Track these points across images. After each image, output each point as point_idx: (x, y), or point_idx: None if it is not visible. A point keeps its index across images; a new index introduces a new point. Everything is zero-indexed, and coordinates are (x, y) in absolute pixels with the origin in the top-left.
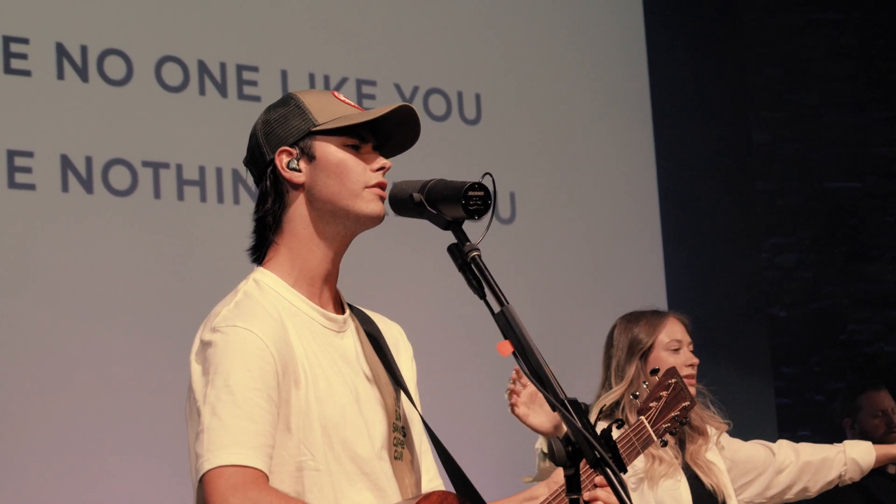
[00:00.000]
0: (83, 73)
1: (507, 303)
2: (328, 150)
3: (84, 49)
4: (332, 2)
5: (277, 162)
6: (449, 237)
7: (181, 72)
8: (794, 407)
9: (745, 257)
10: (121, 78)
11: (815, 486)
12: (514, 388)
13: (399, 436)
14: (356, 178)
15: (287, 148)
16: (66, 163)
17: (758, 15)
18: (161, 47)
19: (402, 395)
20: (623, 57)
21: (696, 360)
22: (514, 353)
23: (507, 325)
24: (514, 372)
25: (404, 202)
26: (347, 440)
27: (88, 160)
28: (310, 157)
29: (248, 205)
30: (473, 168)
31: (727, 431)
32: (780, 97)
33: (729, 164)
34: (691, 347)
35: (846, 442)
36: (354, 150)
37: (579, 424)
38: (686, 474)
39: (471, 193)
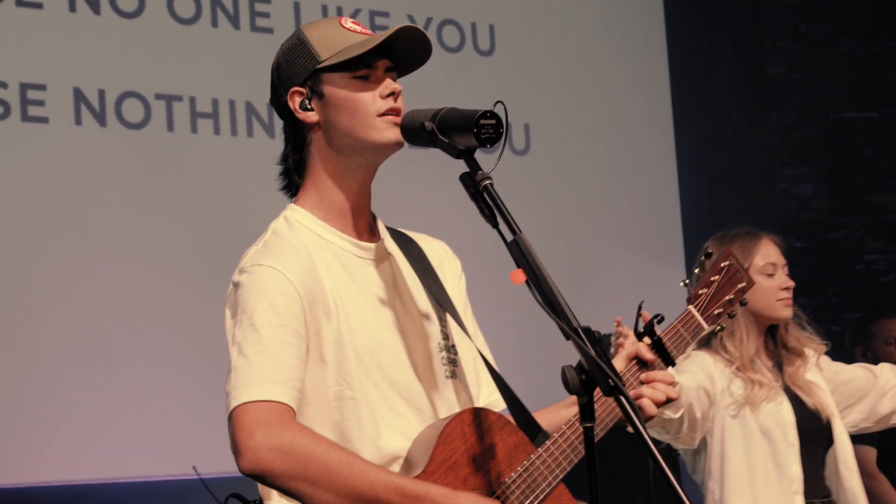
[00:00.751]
0: (95, 5)
1: (520, 231)
2: (335, 86)
3: None
4: None
5: (290, 104)
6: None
7: (193, 3)
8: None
9: (761, 188)
10: (133, 10)
11: None
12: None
13: (449, 355)
14: (365, 108)
15: (298, 88)
16: (78, 96)
17: None
18: None
19: (451, 313)
20: None
21: (791, 283)
22: (526, 281)
23: (520, 254)
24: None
25: (415, 131)
26: (384, 366)
27: (101, 93)
28: (319, 95)
29: (262, 137)
30: (487, 100)
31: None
32: (795, 27)
33: (744, 94)
34: (786, 270)
35: None
36: (363, 79)
37: (593, 353)
38: (787, 396)
39: (483, 122)
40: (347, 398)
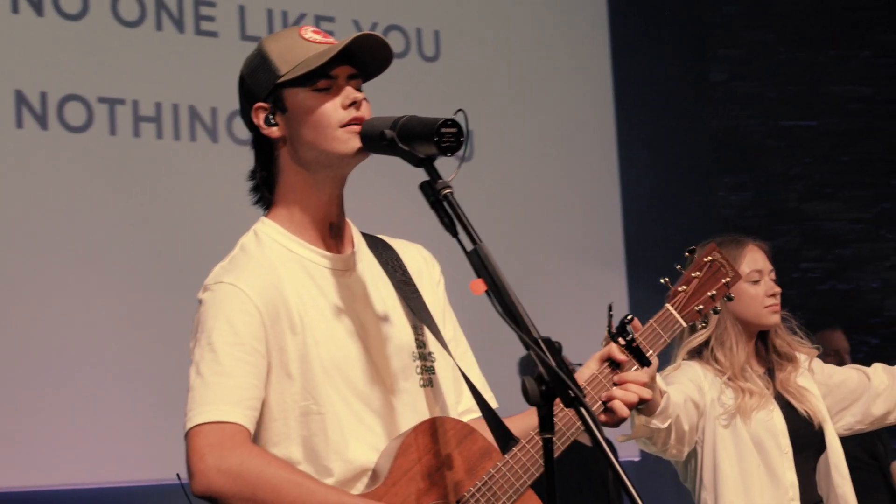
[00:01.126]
0: (38, 6)
1: (480, 241)
2: (296, 99)
3: None
4: None
5: (255, 120)
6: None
7: (137, 6)
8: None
9: (701, 195)
10: (76, 12)
11: None
12: None
13: (425, 363)
14: (328, 120)
15: (261, 103)
16: (20, 98)
17: None
18: None
19: (428, 320)
20: None
21: (777, 290)
22: (486, 291)
23: (480, 264)
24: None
25: (375, 139)
26: (351, 379)
27: (43, 95)
28: (282, 109)
29: (204, 142)
30: (432, 105)
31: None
32: (737, 35)
33: (687, 101)
34: (773, 275)
35: None
36: (325, 90)
37: (553, 363)
38: (779, 403)
39: (444, 130)
40: (314, 413)
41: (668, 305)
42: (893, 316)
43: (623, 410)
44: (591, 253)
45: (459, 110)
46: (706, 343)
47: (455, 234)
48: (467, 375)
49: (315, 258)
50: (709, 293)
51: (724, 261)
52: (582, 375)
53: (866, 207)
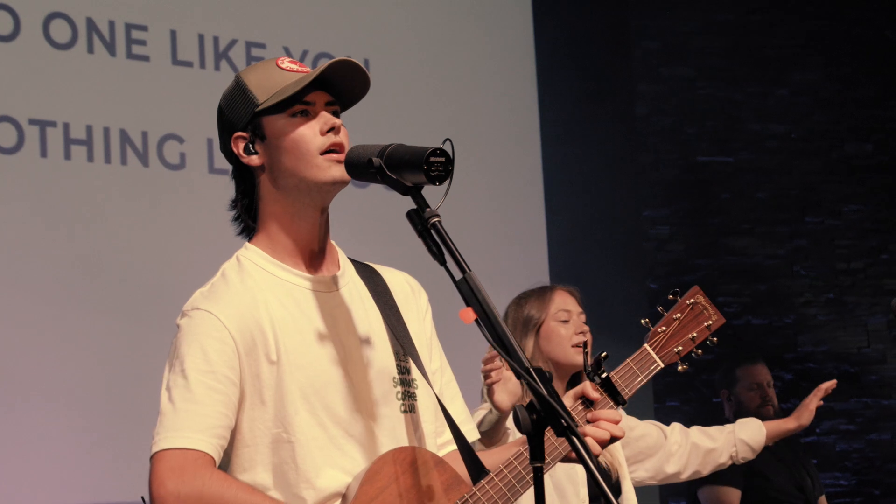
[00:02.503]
0: None
1: (469, 269)
2: (275, 127)
3: None
4: None
5: (234, 149)
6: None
7: (69, 29)
8: (664, 378)
9: (624, 229)
10: (8, 33)
11: (706, 469)
12: (491, 366)
13: (406, 389)
14: (307, 147)
15: (240, 133)
16: None
17: None
18: (49, 4)
19: (409, 346)
20: (510, 24)
21: (585, 328)
22: (476, 320)
23: (470, 292)
24: (487, 351)
25: (362, 166)
26: (329, 403)
27: None
28: (261, 137)
29: (136, 166)
30: (365, 134)
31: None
32: (656, 70)
33: (611, 136)
34: (583, 318)
35: (738, 422)
36: (303, 115)
37: (545, 392)
38: None
39: (433, 159)
40: (284, 441)
41: (646, 345)
42: (807, 352)
43: (596, 448)
44: (516, 286)
45: (447, 140)
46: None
47: (443, 262)
48: (447, 407)
49: (296, 280)
50: (689, 335)
51: (707, 304)
52: None
53: (781, 243)
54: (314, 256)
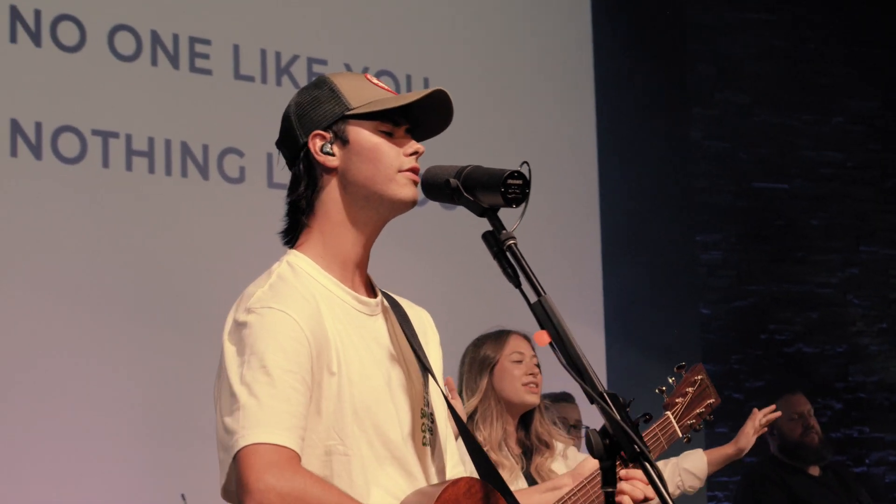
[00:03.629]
0: (36, 38)
1: (545, 292)
2: (362, 135)
3: (38, 13)
4: None
5: (311, 146)
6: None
7: (134, 41)
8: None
9: (676, 254)
10: (74, 44)
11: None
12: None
13: (427, 422)
14: (389, 162)
15: (321, 132)
16: (15, 127)
17: (697, 11)
18: (115, 16)
19: (431, 381)
20: (569, 46)
21: (535, 371)
22: (551, 343)
23: (545, 315)
24: None
25: (439, 187)
26: (379, 423)
27: (38, 126)
28: (343, 141)
29: (196, 178)
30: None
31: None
32: (711, 95)
33: (665, 160)
34: (535, 361)
35: (683, 454)
36: (387, 134)
37: (618, 417)
38: (528, 482)
39: (510, 182)
40: (339, 454)
41: (668, 413)
42: (858, 381)
43: None
44: (570, 308)
45: (525, 162)
46: (472, 415)
47: (518, 284)
48: (475, 440)
49: (348, 299)
50: (697, 410)
51: (709, 383)
52: (585, 468)
53: (834, 272)
54: (359, 275)
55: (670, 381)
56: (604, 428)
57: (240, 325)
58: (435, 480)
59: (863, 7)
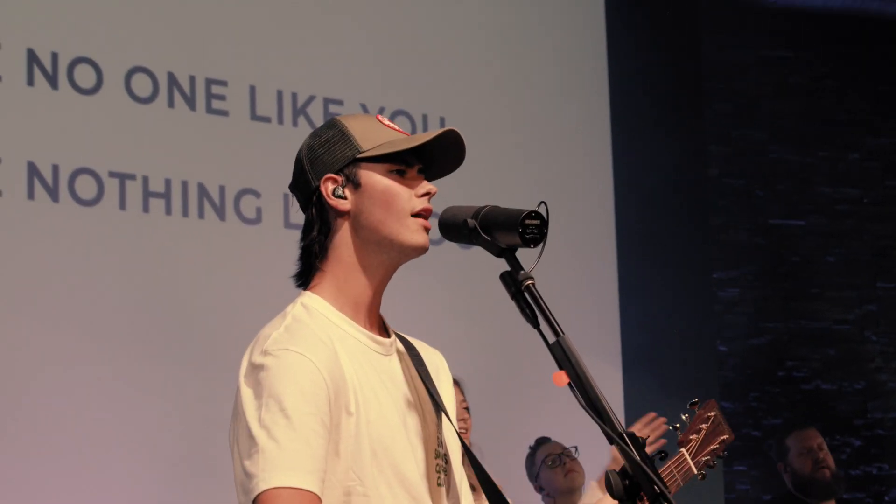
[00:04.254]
0: (53, 80)
1: (563, 333)
2: (373, 178)
3: (55, 56)
4: (302, 21)
5: (323, 189)
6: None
7: (151, 83)
8: (732, 442)
9: (693, 291)
10: (91, 87)
11: None
12: None
13: (441, 462)
14: (401, 205)
15: (332, 175)
16: (32, 170)
17: (713, 50)
18: (132, 58)
19: (445, 421)
20: (586, 90)
21: (465, 416)
22: (569, 384)
23: (563, 356)
24: None
25: (456, 227)
26: (397, 463)
27: (55, 168)
28: (355, 184)
29: (213, 219)
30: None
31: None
32: (728, 133)
33: (682, 197)
34: (465, 404)
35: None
36: (399, 175)
37: (638, 458)
38: None
39: (528, 222)
40: (359, 494)
41: (683, 451)
42: (877, 418)
43: None
44: (588, 344)
45: (542, 202)
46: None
47: (536, 325)
48: (491, 481)
49: (363, 339)
50: (712, 447)
51: (722, 419)
52: None
53: (851, 308)
54: (372, 316)
55: (684, 417)
56: (623, 468)
57: (256, 368)
58: None
59: (879, 43)
